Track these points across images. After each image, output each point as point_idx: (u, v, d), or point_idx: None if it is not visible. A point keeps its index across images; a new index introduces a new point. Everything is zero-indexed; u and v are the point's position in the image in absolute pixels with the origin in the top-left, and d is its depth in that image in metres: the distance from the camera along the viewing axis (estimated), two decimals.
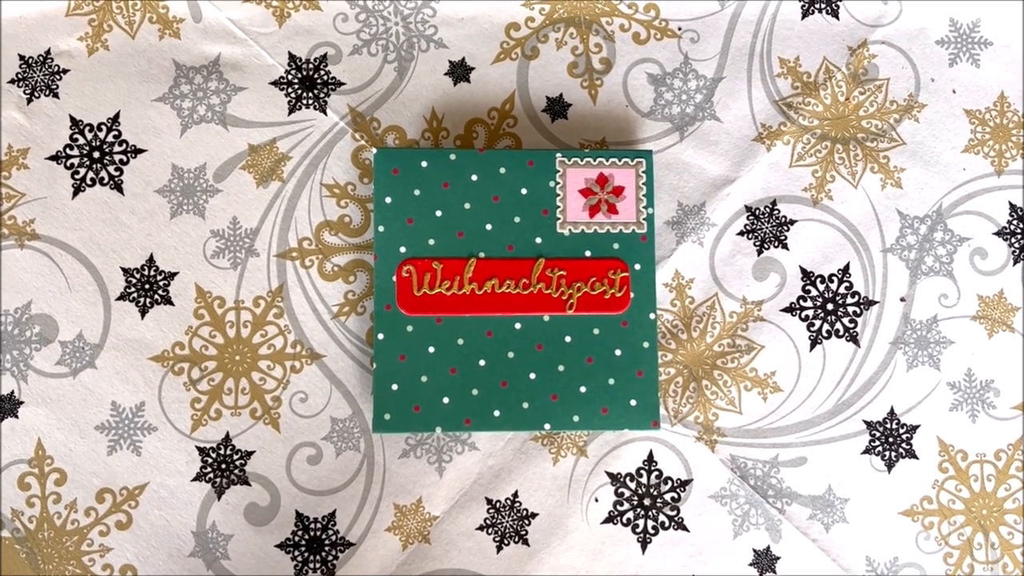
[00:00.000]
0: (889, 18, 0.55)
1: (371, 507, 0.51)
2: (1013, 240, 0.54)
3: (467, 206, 0.51)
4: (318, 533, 0.51)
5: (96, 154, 0.53)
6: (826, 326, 0.53)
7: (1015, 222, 0.54)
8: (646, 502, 0.52)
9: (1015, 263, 0.54)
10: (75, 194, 0.53)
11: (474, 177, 0.51)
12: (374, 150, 0.52)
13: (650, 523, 0.52)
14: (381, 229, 0.51)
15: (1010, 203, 0.54)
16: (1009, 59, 0.55)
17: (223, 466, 0.51)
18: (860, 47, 0.55)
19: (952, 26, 0.55)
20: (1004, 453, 0.53)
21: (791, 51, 0.55)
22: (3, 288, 0.52)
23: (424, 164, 0.51)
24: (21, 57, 0.53)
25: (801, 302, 0.53)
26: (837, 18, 0.55)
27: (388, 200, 0.51)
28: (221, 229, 0.53)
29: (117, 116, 0.53)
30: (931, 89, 0.55)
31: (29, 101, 0.53)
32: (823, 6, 0.55)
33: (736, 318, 0.53)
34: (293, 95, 0.54)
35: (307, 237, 0.53)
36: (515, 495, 0.52)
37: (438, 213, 0.51)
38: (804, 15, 0.55)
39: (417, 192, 0.51)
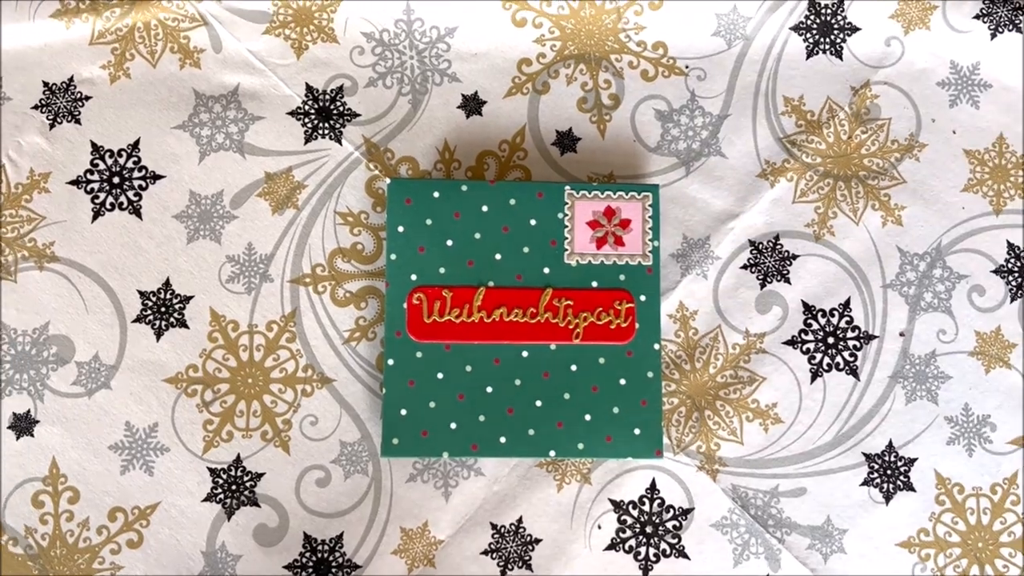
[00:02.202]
0: (891, 59, 0.59)
1: (378, 530, 0.54)
2: (1010, 278, 0.57)
3: (477, 236, 0.54)
4: (325, 555, 0.53)
5: (116, 179, 0.56)
6: (827, 359, 0.56)
7: (1013, 260, 0.57)
8: (648, 530, 0.55)
9: (1012, 300, 0.57)
10: (94, 218, 0.56)
11: (484, 208, 0.54)
12: (387, 180, 0.55)
13: (652, 550, 0.54)
14: (393, 257, 0.54)
15: (1008, 242, 0.57)
16: (1008, 101, 0.59)
17: (233, 487, 0.54)
18: (863, 87, 0.58)
19: (953, 68, 0.59)
20: (1000, 487, 0.56)
21: (795, 90, 0.58)
22: (22, 309, 0.55)
23: (436, 194, 0.54)
24: (45, 83, 0.57)
25: (802, 335, 0.56)
26: (841, 59, 0.59)
27: (400, 229, 0.54)
28: (237, 255, 0.56)
29: (137, 143, 0.56)
30: (932, 129, 0.58)
31: (52, 126, 0.56)
32: (827, 47, 0.59)
33: (739, 350, 0.56)
34: (309, 125, 0.57)
35: (320, 264, 0.56)
36: (519, 521, 0.54)
37: (449, 242, 0.54)
38: (808, 55, 0.59)
39: (429, 221, 0.54)
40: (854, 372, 0.56)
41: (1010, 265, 0.57)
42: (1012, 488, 0.56)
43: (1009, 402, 0.56)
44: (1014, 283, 0.57)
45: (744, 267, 0.57)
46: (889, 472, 0.55)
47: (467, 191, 0.54)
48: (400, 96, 0.58)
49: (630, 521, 0.55)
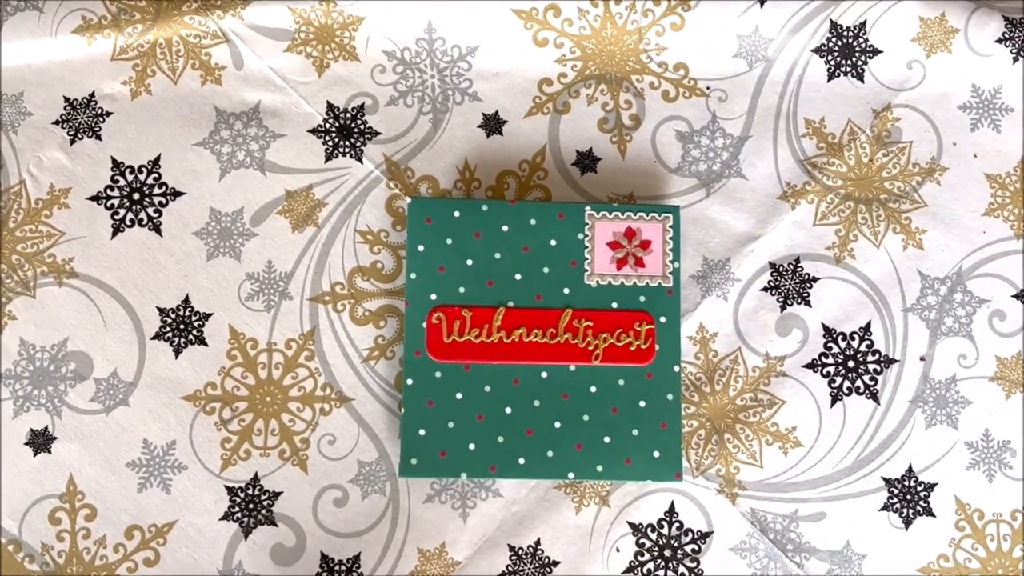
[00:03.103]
0: (913, 82, 0.59)
1: (395, 550, 0.54)
2: None
3: (497, 256, 0.55)
4: (343, 575, 0.54)
5: (136, 195, 0.57)
6: (847, 383, 0.57)
7: None
8: (667, 553, 0.55)
9: None
10: (114, 234, 0.56)
11: (505, 228, 0.55)
12: (408, 199, 0.56)
13: (670, 574, 0.55)
14: (413, 276, 0.54)
15: None
16: None
17: (251, 506, 0.54)
18: (884, 110, 0.59)
19: (974, 92, 0.59)
20: (1020, 513, 0.56)
21: (817, 112, 0.59)
22: (40, 325, 0.55)
23: (456, 214, 0.55)
24: (66, 99, 0.57)
25: (823, 359, 0.57)
26: (862, 81, 0.59)
27: (420, 248, 0.54)
28: (256, 272, 0.56)
29: (158, 159, 0.57)
30: (953, 153, 0.59)
31: (72, 142, 0.57)
32: (849, 69, 0.59)
33: (759, 373, 0.56)
34: (330, 143, 0.57)
35: (340, 282, 0.56)
36: (537, 543, 0.55)
37: (469, 262, 0.55)
38: (830, 78, 0.59)
39: (449, 241, 0.55)
40: (874, 396, 0.57)
41: None
42: None
43: None
44: None
45: (764, 289, 0.57)
46: (909, 497, 0.56)
47: (487, 211, 0.55)
48: (421, 115, 0.58)
49: (648, 544, 0.55)
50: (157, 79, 0.58)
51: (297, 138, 0.58)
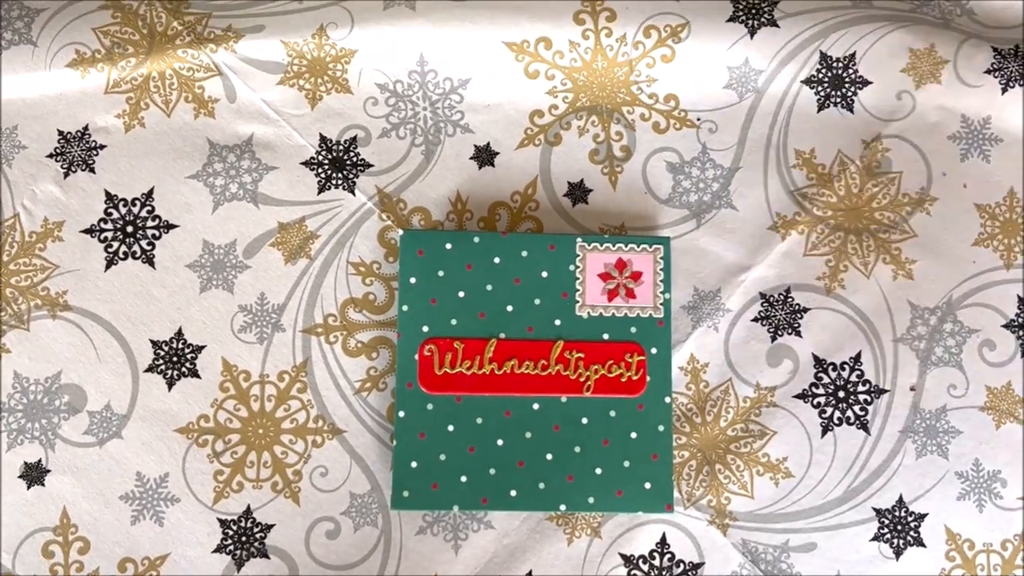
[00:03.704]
0: (903, 113, 0.60)
1: None
2: (1021, 332, 0.58)
3: (489, 287, 0.55)
4: None
5: (129, 228, 0.57)
6: (837, 413, 0.57)
7: (1023, 315, 0.58)
8: None
9: (1023, 355, 0.58)
10: (108, 267, 0.57)
11: (496, 259, 0.55)
12: (400, 231, 0.56)
13: None
14: (405, 308, 0.55)
15: (1018, 296, 0.58)
16: (1019, 155, 0.60)
17: (243, 538, 0.55)
18: (874, 140, 0.60)
19: (964, 122, 0.60)
20: (1010, 543, 0.56)
21: (807, 143, 0.59)
22: (34, 358, 0.56)
23: (448, 246, 0.55)
24: (60, 132, 0.58)
25: (813, 389, 0.57)
26: (852, 112, 0.60)
27: (413, 280, 0.55)
28: (249, 304, 0.57)
29: (151, 192, 0.58)
30: (943, 183, 0.60)
31: (66, 175, 0.57)
32: (839, 100, 0.60)
33: (749, 403, 0.57)
34: (323, 175, 0.58)
35: (332, 314, 0.57)
36: (529, 574, 0.55)
37: (461, 294, 0.55)
38: (820, 108, 0.60)
39: (441, 273, 0.55)
40: (864, 427, 0.57)
41: (1021, 319, 0.58)
42: (1022, 544, 0.56)
43: (1020, 457, 0.57)
44: None
45: (755, 320, 0.58)
46: (899, 527, 0.56)
47: (479, 243, 0.56)
48: (413, 147, 0.59)
49: (640, 575, 0.56)
50: (151, 112, 0.58)
51: (290, 170, 0.58)
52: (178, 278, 0.57)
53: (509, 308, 0.55)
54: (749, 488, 0.56)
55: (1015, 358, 0.58)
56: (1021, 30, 0.61)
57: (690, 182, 0.59)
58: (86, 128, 0.58)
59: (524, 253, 0.56)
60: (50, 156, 0.58)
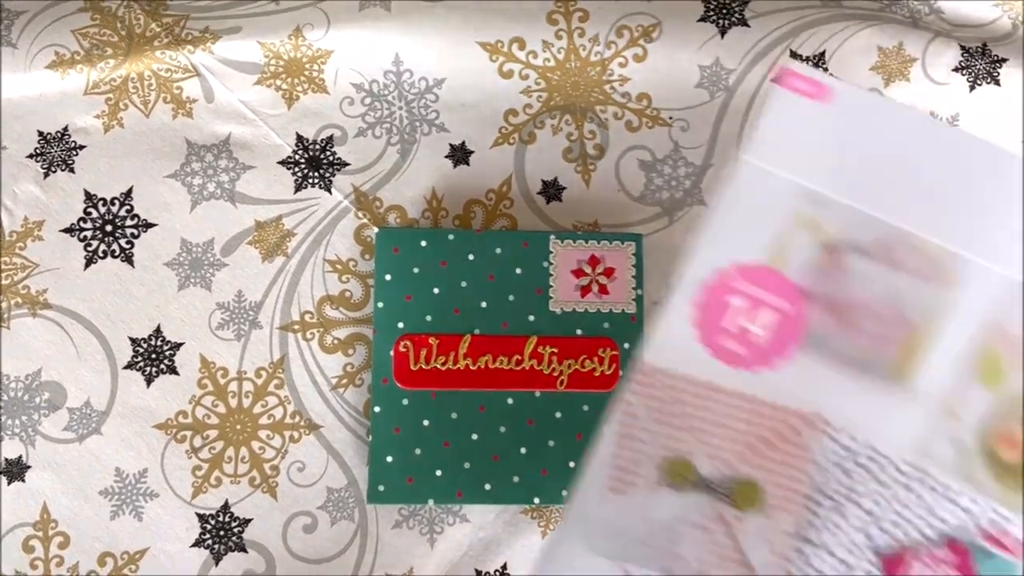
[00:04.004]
0: None
1: None
2: None
3: (464, 284, 0.56)
4: None
5: (108, 227, 0.58)
6: None
7: None
8: None
9: None
10: (87, 266, 0.58)
11: (471, 257, 0.56)
12: (376, 229, 0.57)
13: None
14: (381, 305, 0.56)
15: None
16: None
17: (221, 533, 0.56)
18: None
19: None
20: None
21: None
22: (14, 356, 0.57)
23: (423, 243, 0.56)
24: (40, 133, 0.59)
25: None
26: None
27: (388, 277, 0.56)
28: (227, 302, 0.58)
29: (130, 191, 0.58)
30: None
31: (46, 175, 0.58)
32: None
33: None
34: (300, 174, 0.59)
35: (309, 311, 0.58)
36: (504, 567, 0.56)
37: (436, 291, 0.56)
38: None
39: (416, 270, 0.56)
40: None
41: None
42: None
43: None
44: None
45: None
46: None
47: (454, 240, 0.56)
48: (389, 146, 0.60)
49: None
50: (129, 113, 0.59)
51: (267, 169, 0.59)
52: (156, 276, 0.58)
53: (483, 304, 0.56)
54: None
55: None
56: (988, 29, 0.62)
57: (662, 180, 0.60)
58: (66, 129, 0.59)
59: (498, 250, 0.57)
60: (30, 156, 0.59)
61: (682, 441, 0.40)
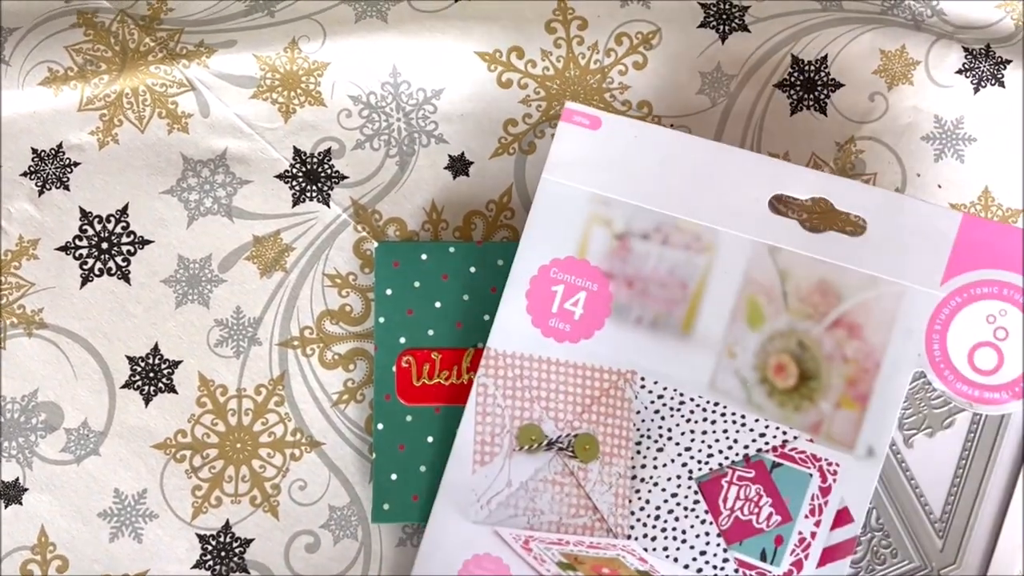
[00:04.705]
0: (876, 114, 0.60)
1: None
2: None
3: (466, 297, 0.55)
4: None
5: (104, 245, 0.57)
6: None
7: None
8: None
9: None
10: (83, 284, 0.57)
11: (472, 269, 0.56)
12: (375, 242, 0.57)
13: None
14: (382, 320, 0.55)
15: None
16: (992, 155, 0.60)
17: (222, 553, 0.55)
18: (847, 143, 0.60)
19: (937, 123, 0.60)
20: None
21: (780, 146, 0.60)
22: (11, 376, 0.56)
23: (424, 257, 0.55)
24: (34, 150, 0.58)
25: None
26: (825, 114, 0.60)
27: (389, 292, 0.55)
28: (225, 318, 0.57)
29: (126, 208, 0.58)
30: (917, 184, 0.60)
31: (40, 193, 0.58)
32: (811, 103, 0.60)
33: None
34: (297, 188, 0.58)
35: (308, 326, 0.57)
36: None
37: (437, 304, 0.55)
38: (793, 112, 0.60)
39: (417, 284, 0.55)
40: None
41: None
42: None
43: None
44: None
45: None
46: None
47: (455, 253, 0.56)
48: (387, 158, 0.59)
49: None
50: (124, 128, 0.59)
51: (264, 184, 0.58)
52: (153, 293, 0.57)
53: (486, 317, 0.55)
54: None
55: None
56: (991, 31, 0.61)
57: None
58: (60, 146, 0.58)
59: (500, 262, 0.56)
60: (24, 174, 0.58)
61: (530, 410, 0.49)
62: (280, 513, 0.55)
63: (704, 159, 0.49)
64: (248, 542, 0.55)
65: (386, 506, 0.53)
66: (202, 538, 0.55)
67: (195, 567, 0.55)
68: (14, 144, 0.58)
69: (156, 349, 0.57)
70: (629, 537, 0.48)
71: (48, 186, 0.58)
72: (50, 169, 0.58)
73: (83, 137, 0.58)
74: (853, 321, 0.47)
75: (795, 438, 0.47)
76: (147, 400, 0.56)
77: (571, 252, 0.50)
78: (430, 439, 0.54)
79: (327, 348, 0.57)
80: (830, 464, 0.47)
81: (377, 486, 0.53)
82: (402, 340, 0.55)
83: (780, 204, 0.51)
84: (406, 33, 0.59)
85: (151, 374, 0.56)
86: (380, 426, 0.54)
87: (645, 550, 0.47)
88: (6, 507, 0.55)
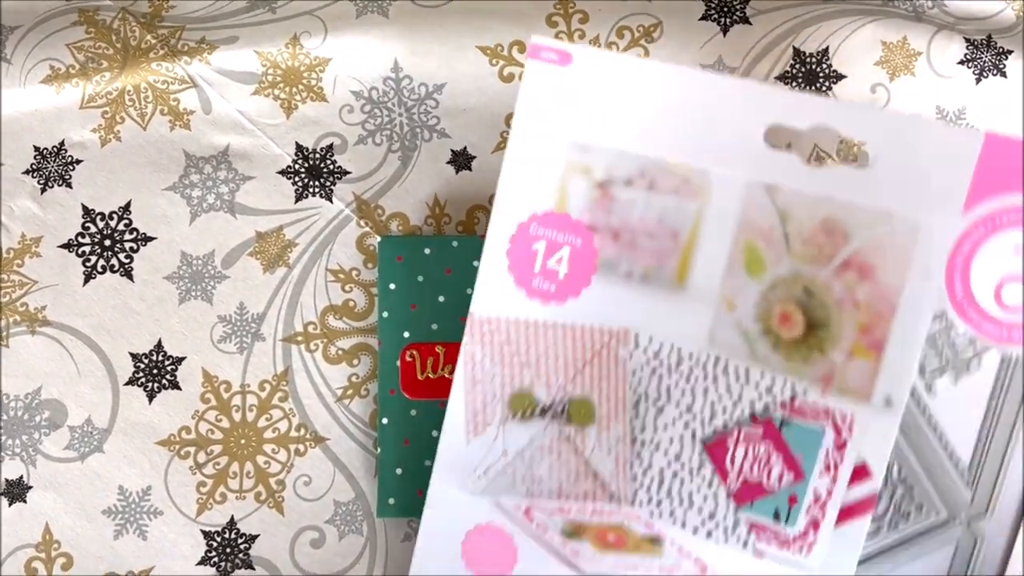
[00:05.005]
0: (878, 106, 0.60)
1: None
2: None
3: (469, 291, 0.55)
4: None
5: (107, 242, 0.57)
6: None
7: None
8: None
9: None
10: (86, 281, 0.57)
11: (475, 263, 0.55)
12: (378, 237, 0.57)
13: None
14: (385, 315, 0.55)
15: None
16: None
17: (227, 550, 0.55)
18: None
19: (939, 113, 0.60)
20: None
21: (782, 138, 0.60)
22: (14, 374, 0.56)
23: (427, 251, 0.55)
24: (36, 148, 0.58)
25: None
26: None
27: (392, 286, 0.55)
28: (228, 314, 0.57)
29: (128, 205, 0.58)
30: None
31: (43, 191, 0.58)
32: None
33: None
34: (300, 184, 0.58)
35: (312, 321, 0.57)
36: None
37: (441, 298, 0.55)
38: None
39: (420, 278, 0.55)
40: None
41: None
42: None
43: None
44: None
45: None
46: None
47: (458, 247, 0.56)
48: (390, 153, 0.59)
49: None
50: (126, 126, 0.58)
51: (267, 180, 0.58)
52: (157, 290, 0.57)
53: None
54: None
55: None
56: (992, 21, 0.61)
57: None
58: (62, 143, 0.58)
59: None
60: (26, 172, 0.58)
61: (520, 376, 0.47)
62: (285, 509, 0.55)
63: (689, 92, 0.44)
64: (253, 538, 0.55)
65: (391, 501, 0.53)
66: (207, 535, 0.55)
67: (200, 563, 0.55)
68: (16, 142, 0.58)
69: (160, 346, 0.56)
70: (633, 503, 0.46)
71: (50, 184, 0.58)
72: (52, 167, 0.58)
73: (85, 135, 0.58)
74: (864, 261, 0.43)
75: (804, 392, 0.44)
76: (151, 397, 0.56)
77: (550, 206, 0.45)
78: (435, 433, 0.54)
79: (331, 343, 0.57)
80: (844, 417, 0.43)
81: (382, 481, 0.53)
82: (406, 334, 0.55)
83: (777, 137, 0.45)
84: (407, 28, 0.59)
85: (155, 371, 0.56)
86: (384, 421, 0.54)
87: (651, 515, 0.46)
88: (10, 505, 0.55)
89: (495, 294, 0.47)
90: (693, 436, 0.45)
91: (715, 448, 0.45)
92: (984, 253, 0.43)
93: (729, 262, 0.44)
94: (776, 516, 0.45)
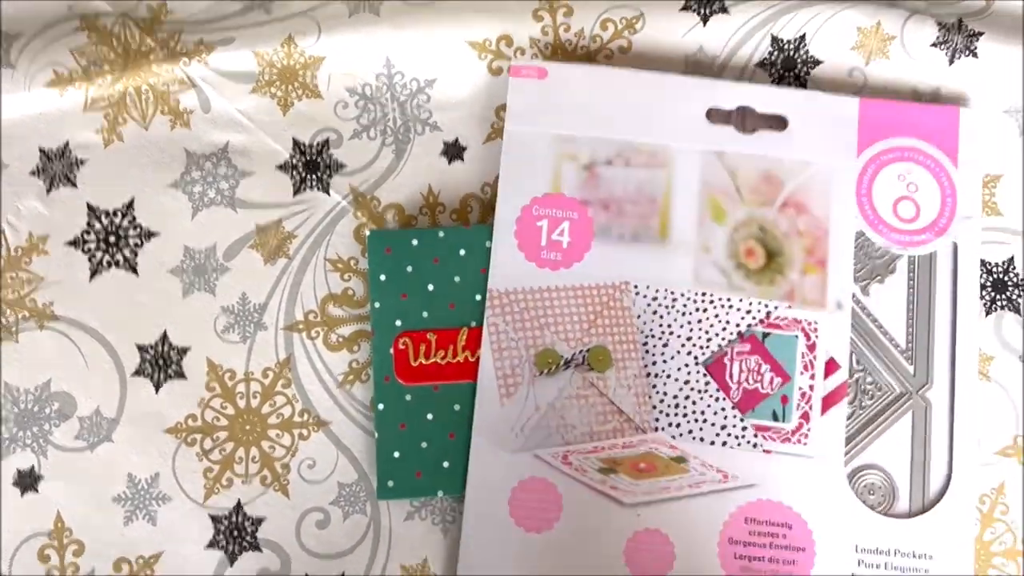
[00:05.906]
0: (854, 89, 0.62)
1: (379, 568, 0.56)
2: (983, 293, 0.59)
3: (457, 279, 0.57)
4: None
5: (112, 238, 0.59)
6: None
7: (985, 276, 0.60)
8: None
9: (987, 315, 0.59)
10: (92, 276, 0.59)
11: (462, 252, 0.57)
12: (375, 227, 0.58)
13: None
14: (377, 305, 0.56)
15: (982, 261, 0.60)
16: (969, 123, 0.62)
17: (235, 533, 0.56)
18: None
19: (915, 95, 0.62)
20: (987, 497, 0.58)
21: (764, 122, 0.61)
22: (24, 367, 0.57)
23: (415, 243, 0.57)
24: (41, 150, 0.60)
25: None
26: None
27: (383, 278, 0.57)
28: (231, 305, 0.58)
29: (132, 202, 0.59)
30: None
31: (49, 191, 0.59)
32: (792, 81, 0.62)
33: None
34: (298, 178, 0.60)
35: (312, 310, 0.59)
36: None
37: (430, 287, 0.57)
38: None
39: (410, 269, 0.57)
40: None
41: (982, 280, 0.60)
42: (999, 498, 0.58)
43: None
44: (987, 298, 0.59)
45: None
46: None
47: (444, 237, 0.57)
48: (384, 146, 0.61)
49: None
50: (128, 126, 0.60)
51: (265, 175, 0.60)
52: (161, 284, 0.59)
53: (478, 297, 0.56)
54: None
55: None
56: (962, 6, 0.63)
57: None
58: (67, 145, 0.60)
59: (488, 244, 0.57)
60: (32, 173, 0.60)
61: (541, 336, 0.55)
62: (290, 492, 0.57)
63: (645, 88, 0.57)
64: (260, 521, 0.56)
65: (391, 483, 0.55)
66: (215, 519, 0.56)
67: (209, 547, 0.56)
68: (22, 144, 0.60)
69: (165, 337, 0.58)
70: (656, 429, 0.54)
71: (56, 184, 0.60)
72: (57, 167, 0.60)
73: (89, 136, 0.60)
74: (798, 200, 0.56)
75: (776, 308, 0.55)
76: (157, 387, 0.57)
77: (547, 189, 0.56)
78: (430, 416, 0.55)
79: (331, 331, 0.59)
80: (810, 323, 0.55)
81: (381, 464, 0.55)
82: (398, 323, 0.56)
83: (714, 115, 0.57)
84: (398, 26, 0.61)
85: (160, 361, 0.58)
86: (381, 407, 0.55)
87: (673, 437, 0.53)
88: (22, 495, 0.56)
89: (509, 270, 0.55)
90: (696, 361, 0.54)
91: (715, 368, 0.55)
92: (879, 182, 0.57)
93: (699, 215, 0.56)
94: (775, 416, 0.54)
